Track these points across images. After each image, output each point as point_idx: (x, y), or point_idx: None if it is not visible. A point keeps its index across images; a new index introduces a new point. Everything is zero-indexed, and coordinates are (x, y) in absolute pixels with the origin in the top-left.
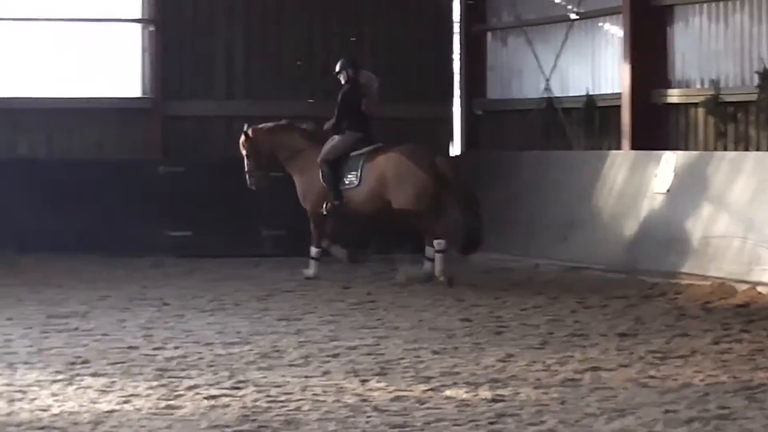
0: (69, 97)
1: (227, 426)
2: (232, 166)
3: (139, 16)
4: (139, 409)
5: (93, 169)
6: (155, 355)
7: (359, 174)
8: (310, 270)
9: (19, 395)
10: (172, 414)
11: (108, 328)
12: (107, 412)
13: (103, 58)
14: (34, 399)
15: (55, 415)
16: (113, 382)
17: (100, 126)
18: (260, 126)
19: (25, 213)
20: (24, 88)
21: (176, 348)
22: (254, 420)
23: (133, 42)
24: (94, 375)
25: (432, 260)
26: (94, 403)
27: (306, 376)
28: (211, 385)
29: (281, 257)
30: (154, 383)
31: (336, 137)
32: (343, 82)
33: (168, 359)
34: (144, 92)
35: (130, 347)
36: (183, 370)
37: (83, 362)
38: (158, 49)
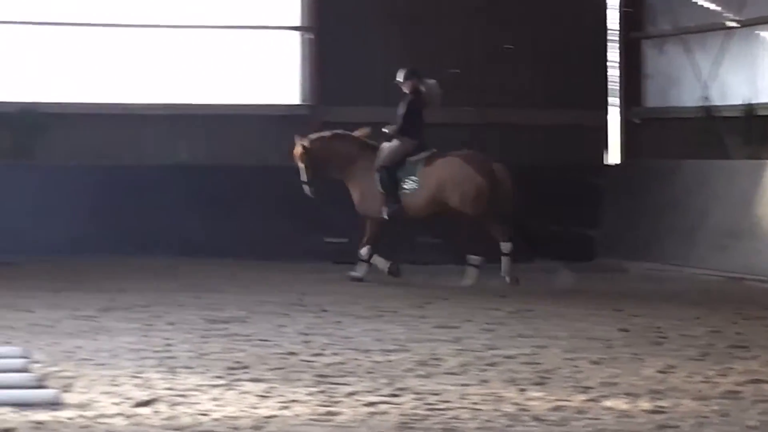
0: (229, 103)
1: None
2: None
3: (298, 23)
4: (298, 415)
5: (252, 175)
6: (314, 361)
7: (419, 178)
8: (359, 272)
9: (180, 399)
10: (331, 420)
11: (267, 334)
12: (267, 417)
13: (263, 65)
14: (195, 403)
15: (216, 419)
16: (272, 387)
17: (260, 132)
18: (314, 136)
19: (185, 218)
20: (186, 94)
21: (335, 354)
22: (413, 427)
23: (292, 49)
24: (253, 380)
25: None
26: (254, 408)
27: (464, 384)
28: (369, 391)
29: (437, 264)
30: (313, 389)
31: (394, 143)
32: (407, 91)
33: (327, 365)
34: (303, 99)
35: (289, 353)
36: (342, 376)
37: (243, 367)
38: (317, 56)
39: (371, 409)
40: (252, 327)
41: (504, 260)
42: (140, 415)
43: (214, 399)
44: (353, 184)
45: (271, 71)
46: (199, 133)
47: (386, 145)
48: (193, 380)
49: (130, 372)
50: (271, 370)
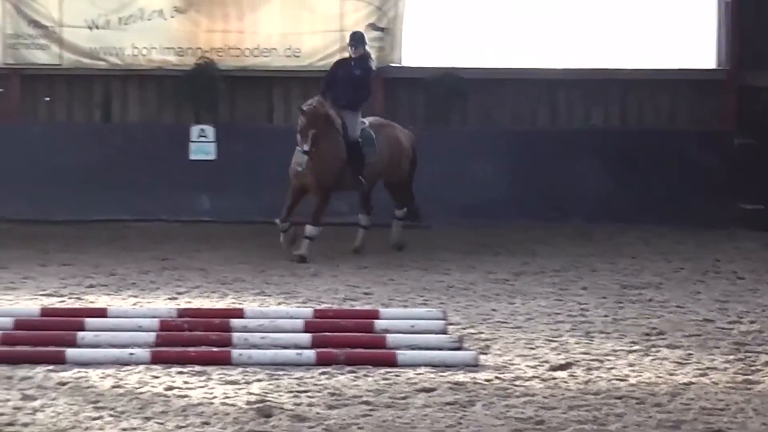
0: (643, 68)
1: None
2: None
3: None
4: (716, 383)
5: (665, 139)
6: (730, 328)
7: (377, 147)
8: (303, 250)
9: (596, 364)
10: (749, 389)
11: (682, 300)
12: (684, 384)
13: (677, 29)
14: (611, 368)
15: (632, 385)
16: (689, 354)
17: (672, 96)
18: (318, 100)
19: (598, 183)
20: (600, 59)
21: (752, 322)
22: None
23: (708, 13)
24: (669, 346)
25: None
26: (671, 374)
27: None
28: None
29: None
30: (731, 357)
31: (355, 114)
32: (355, 57)
33: (744, 333)
34: (718, 63)
35: (705, 320)
36: (759, 344)
37: (658, 333)
38: (734, 19)
39: None
40: (667, 293)
41: (397, 225)
42: (556, 378)
43: (630, 365)
44: (318, 155)
45: (685, 35)
46: (612, 97)
47: (344, 115)
48: (609, 345)
49: (546, 336)
50: (687, 336)
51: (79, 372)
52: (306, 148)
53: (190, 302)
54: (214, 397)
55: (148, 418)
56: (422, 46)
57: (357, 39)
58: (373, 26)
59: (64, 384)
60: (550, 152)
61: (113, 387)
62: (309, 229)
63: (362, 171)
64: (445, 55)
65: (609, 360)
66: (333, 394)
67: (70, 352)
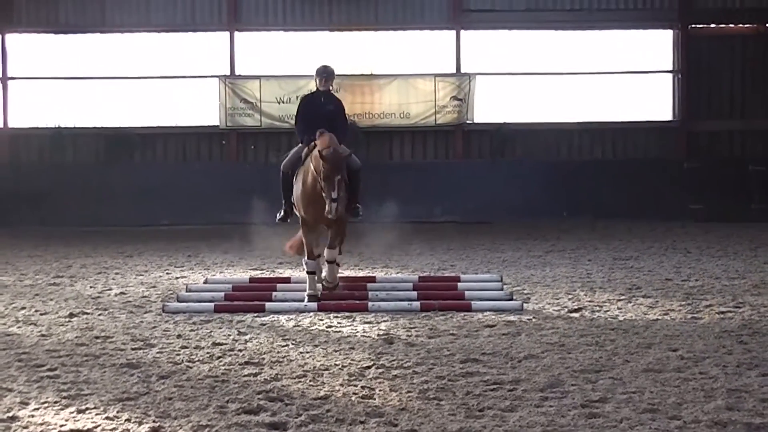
0: (624, 120)
1: (732, 331)
2: None
3: None
4: (673, 319)
5: (639, 166)
6: (683, 284)
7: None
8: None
9: (597, 308)
10: (695, 322)
11: (651, 266)
12: (653, 320)
13: (645, 93)
14: (607, 311)
15: (620, 321)
16: (656, 301)
17: (645, 138)
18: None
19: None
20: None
21: (696, 280)
22: (751, 328)
23: (666, 82)
24: (644, 296)
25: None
26: (645, 314)
27: None
28: (720, 304)
29: None
30: (683, 302)
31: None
32: (325, 89)
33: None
34: (673, 116)
35: (666, 279)
36: (701, 294)
37: (636, 288)
38: (683, 87)
39: (722, 316)
40: (644, 261)
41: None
42: (572, 317)
43: (620, 308)
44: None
45: (650, 97)
46: (607, 138)
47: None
48: (605, 296)
49: (565, 290)
50: (656, 289)
51: (273, 317)
52: (335, 195)
53: (342, 273)
54: (357, 332)
55: (316, 345)
56: (485, 108)
57: (329, 73)
58: (454, 97)
59: (264, 325)
60: (570, 175)
61: (294, 326)
62: (330, 254)
63: (358, 198)
64: (499, 113)
65: (606, 304)
66: (431, 329)
67: (268, 305)
